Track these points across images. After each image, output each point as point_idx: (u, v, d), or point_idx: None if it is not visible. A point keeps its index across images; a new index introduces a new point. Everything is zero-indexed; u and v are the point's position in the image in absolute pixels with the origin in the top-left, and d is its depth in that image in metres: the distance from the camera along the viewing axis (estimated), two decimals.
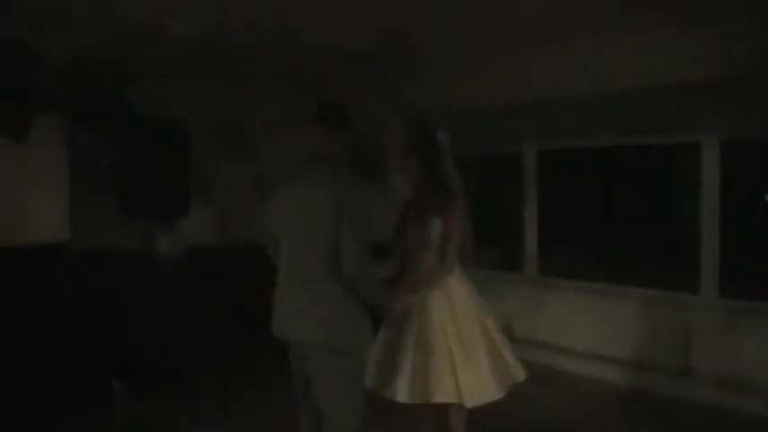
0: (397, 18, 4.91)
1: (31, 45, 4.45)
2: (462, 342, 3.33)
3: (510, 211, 6.64)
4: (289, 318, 3.03)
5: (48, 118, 4.90)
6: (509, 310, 6.21)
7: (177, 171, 5.27)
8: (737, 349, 4.95)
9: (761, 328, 4.86)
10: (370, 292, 3.01)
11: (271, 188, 3.26)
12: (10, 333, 4.64)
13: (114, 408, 4.98)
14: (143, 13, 4.63)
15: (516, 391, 3.49)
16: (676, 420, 4.82)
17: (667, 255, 5.74)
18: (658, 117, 5.30)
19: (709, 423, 4.74)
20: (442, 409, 3.43)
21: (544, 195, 6.40)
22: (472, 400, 3.28)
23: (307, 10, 4.67)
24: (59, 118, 5.10)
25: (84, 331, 5.17)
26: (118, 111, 4.77)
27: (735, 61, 4.80)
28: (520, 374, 3.47)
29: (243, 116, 7.46)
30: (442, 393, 3.25)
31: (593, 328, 5.82)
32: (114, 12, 4.58)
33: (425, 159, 3.52)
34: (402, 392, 3.30)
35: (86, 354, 5.10)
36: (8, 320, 4.67)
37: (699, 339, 5.15)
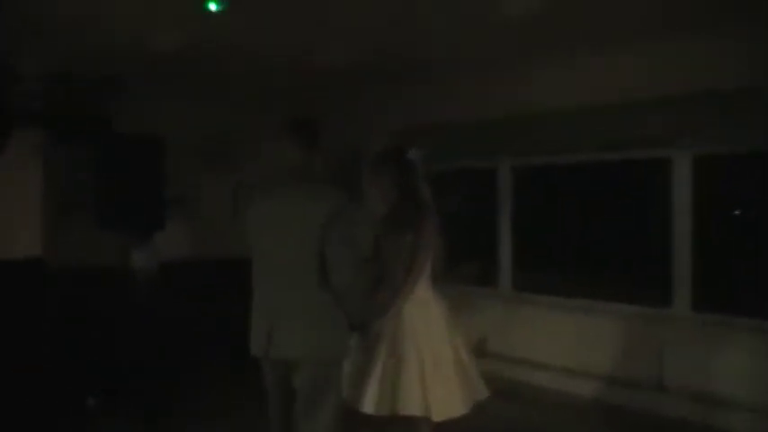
0: (378, 36, 4.96)
1: (8, 62, 4.44)
2: (433, 357, 3.35)
3: (486, 226, 6.67)
4: (275, 335, 2.97)
5: (24, 134, 4.89)
6: (484, 326, 6.24)
7: (153, 185, 5.26)
8: (710, 363, 4.99)
9: (733, 343, 4.91)
10: (356, 308, 3.02)
11: (247, 202, 3.25)
12: None
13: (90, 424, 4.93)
14: (122, 28, 4.64)
15: (490, 405, 3.53)
16: None
17: (641, 270, 5.79)
18: (630, 133, 5.36)
19: None
20: (411, 423, 3.42)
21: (519, 210, 6.43)
22: (439, 414, 3.29)
23: (287, 26, 4.71)
24: (36, 133, 5.10)
25: (60, 347, 5.13)
26: (94, 126, 4.76)
27: (706, 77, 4.88)
28: (483, 393, 3.51)
29: (222, 130, 7.48)
30: (410, 406, 3.27)
31: (568, 344, 5.84)
32: (93, 27, 4.59)
33: (398, 177, 3.56)
34: (369, 403, 3.32)
35: (63, 369, 5.06)
36: None
37: (671, 354, 5.19)
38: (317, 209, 2.89)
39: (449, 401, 3.33)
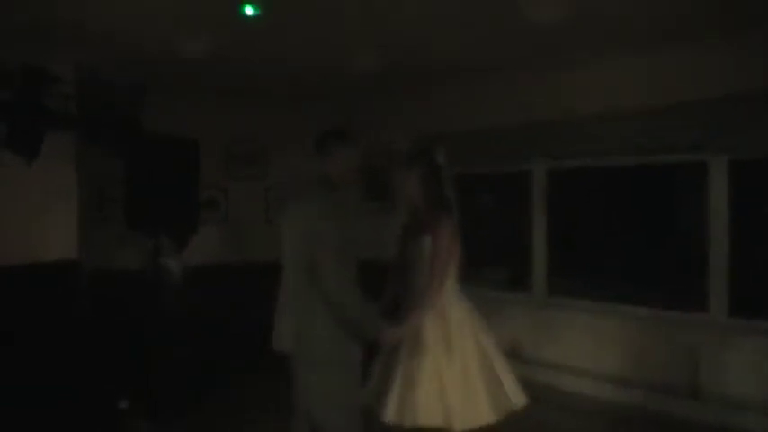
0: (409, 42, 4.96)
1: (44, 66, 4.50)
2: (453, 364, 3.29)
3: (519, 230, 6.62)
4: (285, 334, 3.12)
5: (58, 137, 4.95)
6: (518, 330, 6.19)
7: (187, 189, 5.28)
8: (746, 369, 4.89)
9: None
10: (356, 320, 3.01)
11: (279, 207, 3.35)
12: (18, 350, 4.64)
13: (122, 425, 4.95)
14: (155, 32, 4.69)
15: (521, 411, 3.42)
16: None
17: (677, 274, 5.71)
18: (666, 137, 5.29)
19: None
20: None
21: (553, 214, 6.38)
22: (461, 424, 3.21)
23: (318, 32, 4.72)
24: (70, 137, 5.16)
25: (93, 350, 5.17)
26: (128, 129, 4.81)
27: (743, 80, 4.83)
28: (519, 401, 3.40)
29: (253, 135, 7.55)
30: (429, 416, 3.21)
31: (602, 349, 5.77)
32: (127, 30, 4.65)
33: (425, 177, 3.54)
34: (390, 413, 3.28)
35: (96, 372, 5.09)
36: (17, 337, 4.68)
37: (707, 359, 5.09)
38: (311, 220, 2.99)
39: (473, 410, 3.25)
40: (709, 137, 5.06)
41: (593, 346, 5.85)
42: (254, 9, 4.17)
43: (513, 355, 5.87)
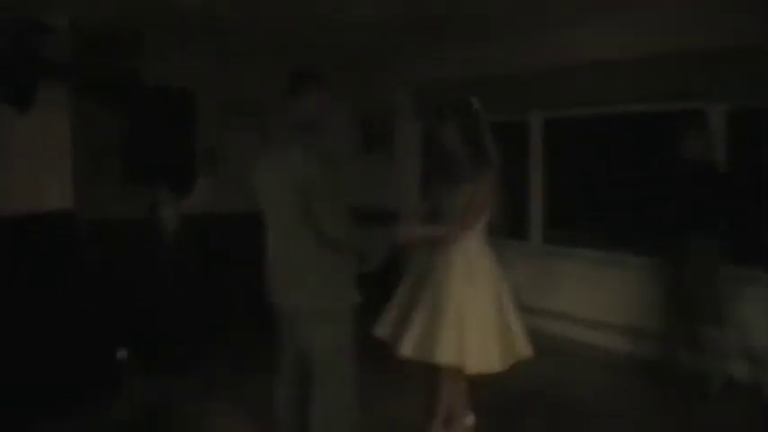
0: None
1: (39, 17, 4.41)
2: (474, 310, 3.36)
3: (516, 179, 6.61)
4: (277, 287, 3.12)
5: (54, 88, 4.87)
6: (514, 278, 6.21)
7: (184, 140, 5.24)
8: (741, 317, 4.96)
9: (762, 297, 4.90)
10: (361, 245, 3.05)
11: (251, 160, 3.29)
12: (15, 303, 4.64)
13: (122, 380, 4.98)
14: None
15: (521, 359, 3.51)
16: (680, 387, 4.86)
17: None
18: (664, 85, 5.26)
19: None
20: (448, 373, 3.54)
21: (550, 164, 6.38)
22: (473, 367, 3.32)
23: None
24: (65, 88, 5.09)
25: (90, 301, 5.19)
26: (124, 81, 4.74)
27: (742, 29, 4.78)
28: (526, 352, 3.50)
29: (248, 87, 7.45)
30: (446, 355, 3.30)
31: (598, 297, 5.86)
32: None
33: (465, 128, 3.51)
34: (407, 347, 3.39)
35: (94, 324, 5.12)
36: (14, 289, 4.68)
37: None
38: (298, 166, 2.90)
39: (485, 356, 3.34)
40: (707, 85, 5.03)
41: (589, 294, 5.93)
42: None
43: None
